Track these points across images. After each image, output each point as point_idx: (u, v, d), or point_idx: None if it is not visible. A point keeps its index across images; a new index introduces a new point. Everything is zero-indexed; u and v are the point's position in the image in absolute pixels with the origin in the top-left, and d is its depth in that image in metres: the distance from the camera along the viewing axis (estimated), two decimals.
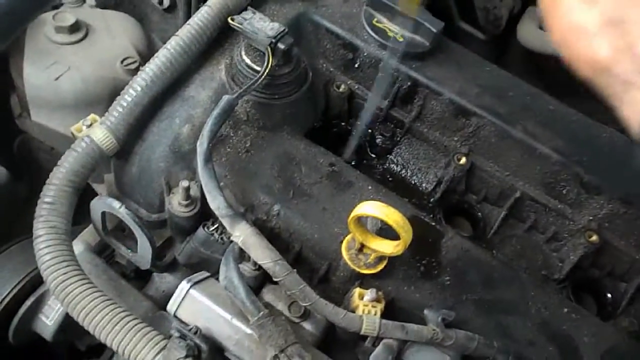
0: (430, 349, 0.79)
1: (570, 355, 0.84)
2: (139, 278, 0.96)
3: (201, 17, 0.90)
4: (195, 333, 0.75)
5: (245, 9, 0.90)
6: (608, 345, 0.87)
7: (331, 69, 1.05)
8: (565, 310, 0.88)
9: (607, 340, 0.87)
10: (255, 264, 0.83)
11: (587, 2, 0.50)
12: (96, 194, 1.00)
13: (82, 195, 0.84)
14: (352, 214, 0.77)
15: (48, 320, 0.92)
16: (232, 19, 0.87)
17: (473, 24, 1.79)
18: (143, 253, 0.83)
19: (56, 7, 1.14)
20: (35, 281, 0.94)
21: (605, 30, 0.49)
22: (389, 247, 0.79)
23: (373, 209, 0.74)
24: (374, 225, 0.83)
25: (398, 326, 0.78)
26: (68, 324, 0.93)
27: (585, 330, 0.87)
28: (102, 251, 0.92)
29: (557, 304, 0.89)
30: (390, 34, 1.00)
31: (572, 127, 1.01)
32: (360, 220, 0.80)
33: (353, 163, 1.05)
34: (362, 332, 0.78)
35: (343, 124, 1.09)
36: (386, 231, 0.81)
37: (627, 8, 0.48)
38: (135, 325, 0.72)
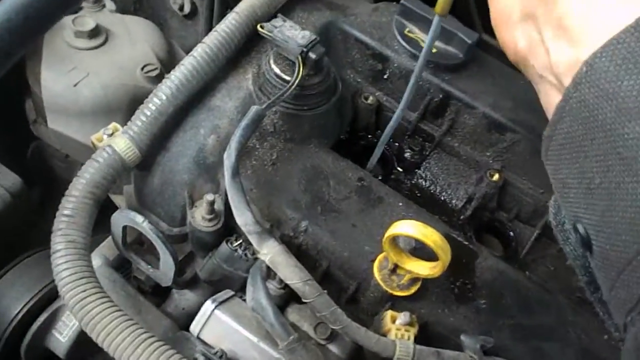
0: None
1: None
2: (157, 294, 0.92)
3: (229, 23, 0.87)
4: (221, 357, 0.71)
5: (275, 16, 0.86)
6: None
7: (359, 80, 1.01)
8: (606, 337, 0.84)
9: None
10: (281, 282, 0.79)
11: None
12: (114, 205, 0.96)
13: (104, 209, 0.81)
14: (388, 233, 0.73)
15: (62, 337, 0.88)
16: (262, 26, 0.84)
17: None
18: (165, 270, 0.79)
19: (75, 12, 1.11)
20: (50, 296, 0.90)
21: (524, 22, 0.50)
22: (425, 269, 0.75)
23: (411, 228, 0.70)
24: (407, 245, 0.79)
25: (433, 352, 0.74)
26: (82, 341, 0.89)
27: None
28: (121, 265, 0.88)
29: (596, 330, 0.84)
30: (423, 44, 0.96)
31: None
32: (395, 240, 0.76)
33: (380, 177, 1.01)
34: (395, 358, 0.74)
35: (370, 136, 1.05)
36: (420, 251, 0.78)
37: (539, 4, 0.48)
38: (158, 348, 0.68)
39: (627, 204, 0.39)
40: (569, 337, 0.83)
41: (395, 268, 0.78)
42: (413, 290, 0.79)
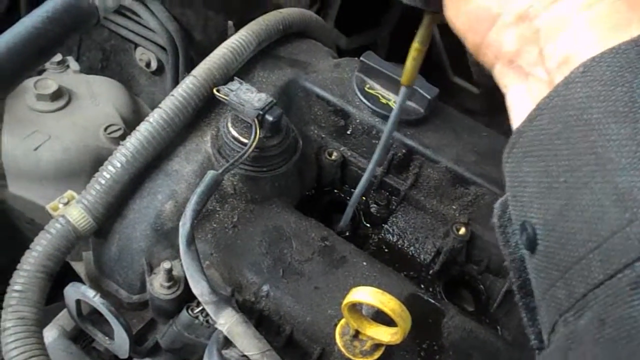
0: None
1: None
2: None
3: (186, 87, 0.86)
4: None
5: (232, 79, 0.86)
6: None
7: (323, 136, 1.01)
8: None
9: None
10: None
11: None
12: (73, 271, 0.94)
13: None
14: (345, 301, 0.71)
15: None
16: (218, 90, 0.83)
17: (467, 79, 1.78)
18: (120, 342, 0.76)
19: (39, 73, 1.11)
20: None
21: (516, 23, 0.50)
22: (386, 335, 0.73)
23: (368, 295, 0.68)
24: (370, 309, 0.77)
25: None
26: None
27: None
28: (79, 336, 0.86)
29: None
30: (383, 100, 0.96)
31: None
32: (355, 306, 0.75)
33: (347, 233, 1.00)
34: None
35: (336, 191, 1.04)
36: (382, 315, 0.76)
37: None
38: None
39: (589, 203, 0.40)
40: None
41: (357, 334, 0.76)
42: (376, 356, 0.77)
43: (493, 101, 1.95)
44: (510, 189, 0.50)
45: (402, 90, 0.79)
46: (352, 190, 1.04)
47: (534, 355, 0.84)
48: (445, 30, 0.58)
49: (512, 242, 0.53)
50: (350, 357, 0.77)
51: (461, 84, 1.78)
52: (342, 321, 0.78)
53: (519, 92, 0.51)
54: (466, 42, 0.55)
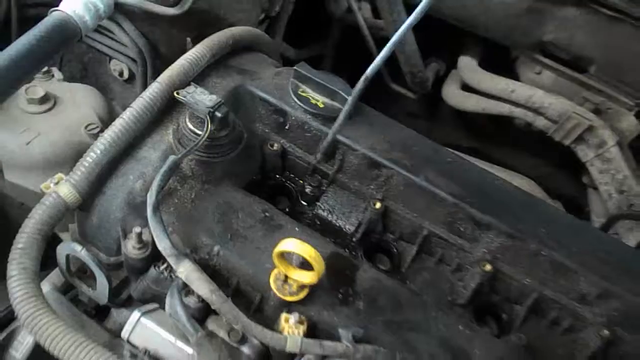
0: None
1: None
2: (100, 315, 1.10)
3: (152, 91, 1.08)
4: (145, 354, 0.90)
5: (189, 84, 1.09)
6: (497, 356, 1.04)
7: (266, 131, 1.24)
8: (461, 327, 1.05)
9: (496, 352, 1.04)
10: (198, 297, 0.99)
11: None
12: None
13: (50, 243, 1.00)
14: (275, 250, 0.93)
15: (17, 354, 1.05)
16: (177, 93, 1.06)
17: (404, 86, 2.03)
18: (101, 289, 0.98)
19: (29, 82, 1.31)
20: (6, 321, 1.07)
21: None
22: (306, 277, 0.96)
23: (290, 244, 0.91)
24: (297, 260, 0.99)
25: (316, 343, 0.94)
26: (35, 356, 1.06)
27: (477, 344, 1.04)
28: (67, 291, 1.07)
29: (454, 323, 1.06)
30: (313, 101, 1.19)
31: (467, 175, 1.21)
32: (285, 256, 0.97)
33: (287, 210, 1.22)
34: (286, 350, 0.93)
35: (278, 177, 1.27)
36: (307, 265, 0.98)
37: None
38: (94, 347, 0.87)
39: None
40: (432, 329, 1.04)
41: (286, 278, 0.99)
42: (302, 295, 0.99)
43: (429, 105, 2.21)
44: None
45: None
46: (292, 175, 1.27)
47: (428, 300, 1.07)
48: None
49: None
50: (281, 297, 0.99)
51: (399, 90, 2.02)
52: (275, 270, 1.01)
53: None
54: None
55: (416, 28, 1.81)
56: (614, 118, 1.70)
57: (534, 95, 1.73)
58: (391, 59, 1.89)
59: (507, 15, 1.57)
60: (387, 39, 1.07)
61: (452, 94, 1.95)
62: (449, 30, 1.77)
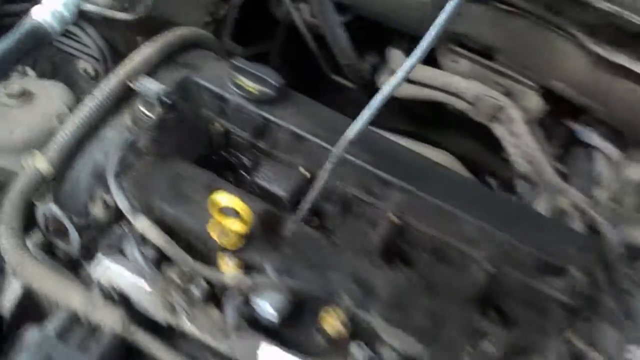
0: (271, 292, 1.19)
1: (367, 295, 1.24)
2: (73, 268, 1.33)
3: (110, 82, 1.32)
4: (113, 290, 1.13)
5: (142, 76, 1.32)
6: (398, 288, 1.28)
7: (210, 114, 1.47)
8: (370, 267, 1.30)
9: (397, 286, 1.29)
10: (153, 246, 1.22)
11: None
12: None
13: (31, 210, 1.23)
14: (209, 199, 1.17)
15: (6, 302, 1.28)
16: (132, 82, 1.29)
17: (344, 77, 2.27)
18: (74, 243, 1.21)
19: (6, 80, 1.54)
20: None
21: None
22: (237, 225, 1.20)
23: (221, 197, 1.15)
24: (232, 213, 1.23)
25: (249, 278, 1.18)
26: (22, 305, 1.28)
27: (382, 279, 1.28)
28: (46, 250, 1.29)
29: (366, 264, 1.30)
30: (248, 88, 1.43)
31: (380, 146, 1.45)
32: (222, 211, 1.21)
33: (230, 180, 1.46)
34: (226, 284, 1.17)
35: (223, 153, 1.51)
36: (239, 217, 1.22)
37: None
38: (78, 284, 1.10)
39: None
40: (347, 267, 1.28)
41: (223, 228, 1.23)
42: (239, 244, 1.23)
43: (370, 94, 2.45)
44: None
45: None
46: (234, 151, 1.51)
47: (344, 245, 1.32)
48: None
49: None
50: (221, 244, 1.23)
51: (339, 80, 2.27)
52: (212, 220, 1.24)
53: None
54: None
55: (348, 24, 2.07)
56: (521, 99, 1.97)
57: (453, 81, 1.99)
58: (329, 53, 2.14)
59: (418, 10, 1.82)
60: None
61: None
62: (379, 25, 2.02)
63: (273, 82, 1.42)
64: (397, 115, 2.42)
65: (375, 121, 1.88)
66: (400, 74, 1.17)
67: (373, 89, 2.41)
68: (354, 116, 1.33)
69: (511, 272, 1.34)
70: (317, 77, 2.31)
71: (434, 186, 1.41)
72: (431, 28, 1.24)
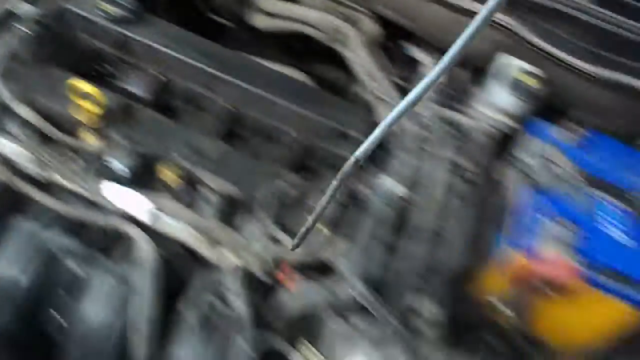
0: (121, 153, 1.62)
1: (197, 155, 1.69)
2: None
3: None
4: None
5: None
6: (225, 156, 1.73)
7: (83, 34, 1.88)
8: (202, 134, 1.74)
9: (227, 156, 1.73)
10: (31, 127, 1.64)
11: None
12: None
13: None
14: (69, 86, 1.59)
15: None
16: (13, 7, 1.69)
17: (220, 15, 2.68)
18: None
19: None
20: None
21: None
22: (93, 106, 1.62)
23: (79, 83, 1.57)
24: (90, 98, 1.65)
25: (101, 143, 1.62)
26: None
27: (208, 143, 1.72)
28: None
29: (200, 134, 1.74)
30: (108, 10, 1.84)
31: (225, 57, 1.89)
32: (82, 95, 1.63)
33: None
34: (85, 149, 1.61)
35: (94, 64, 1.92)
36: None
37: None
38: None
39: None
40: (184, 137, 1.72)
41: (81, 107, 1.65)
42: (96, 122, 1.65)
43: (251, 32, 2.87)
44: None
45: None
46: (103, 62, 1.92)
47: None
48: None
49: None
50: (82, 121, 1.65)
51: (217, 19, 2.68)
52: (74, 103, 1.66)
53: None
54: None
55: None
56: (358, 24, 2.41)
57: (306, 14, 2.42)
58: None
59: None
60: None
61: (256, 19, 2.62)
62: None
63: (127, 5, 1.84)
64: (275, 48, 2.83)
65: (258, 54, 2.27)
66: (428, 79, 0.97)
67: (247, 27, 2.83)
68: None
69: (312, 139, 1.81)
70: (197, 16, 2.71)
71: (262, 83, 1.85)
72: None
